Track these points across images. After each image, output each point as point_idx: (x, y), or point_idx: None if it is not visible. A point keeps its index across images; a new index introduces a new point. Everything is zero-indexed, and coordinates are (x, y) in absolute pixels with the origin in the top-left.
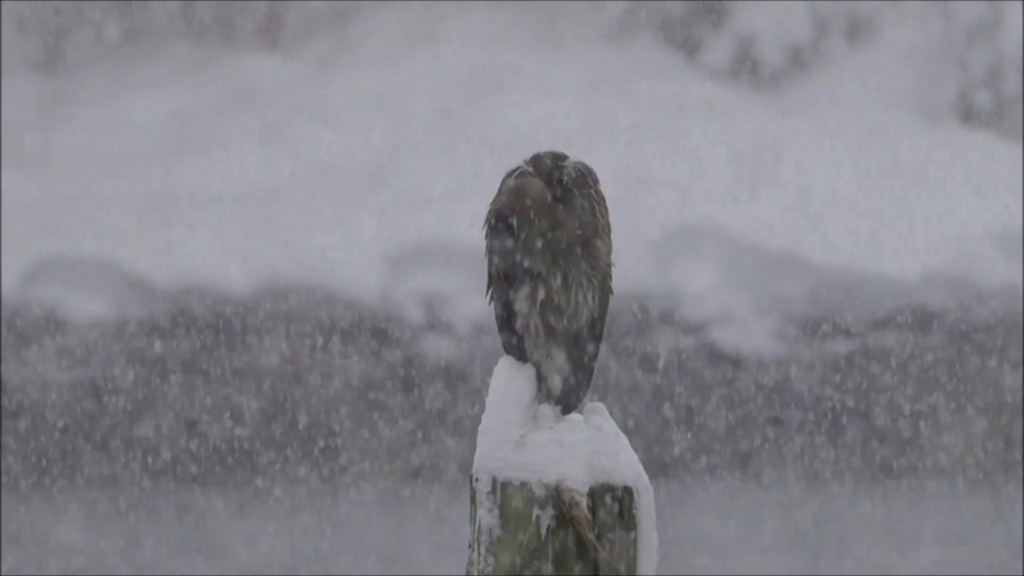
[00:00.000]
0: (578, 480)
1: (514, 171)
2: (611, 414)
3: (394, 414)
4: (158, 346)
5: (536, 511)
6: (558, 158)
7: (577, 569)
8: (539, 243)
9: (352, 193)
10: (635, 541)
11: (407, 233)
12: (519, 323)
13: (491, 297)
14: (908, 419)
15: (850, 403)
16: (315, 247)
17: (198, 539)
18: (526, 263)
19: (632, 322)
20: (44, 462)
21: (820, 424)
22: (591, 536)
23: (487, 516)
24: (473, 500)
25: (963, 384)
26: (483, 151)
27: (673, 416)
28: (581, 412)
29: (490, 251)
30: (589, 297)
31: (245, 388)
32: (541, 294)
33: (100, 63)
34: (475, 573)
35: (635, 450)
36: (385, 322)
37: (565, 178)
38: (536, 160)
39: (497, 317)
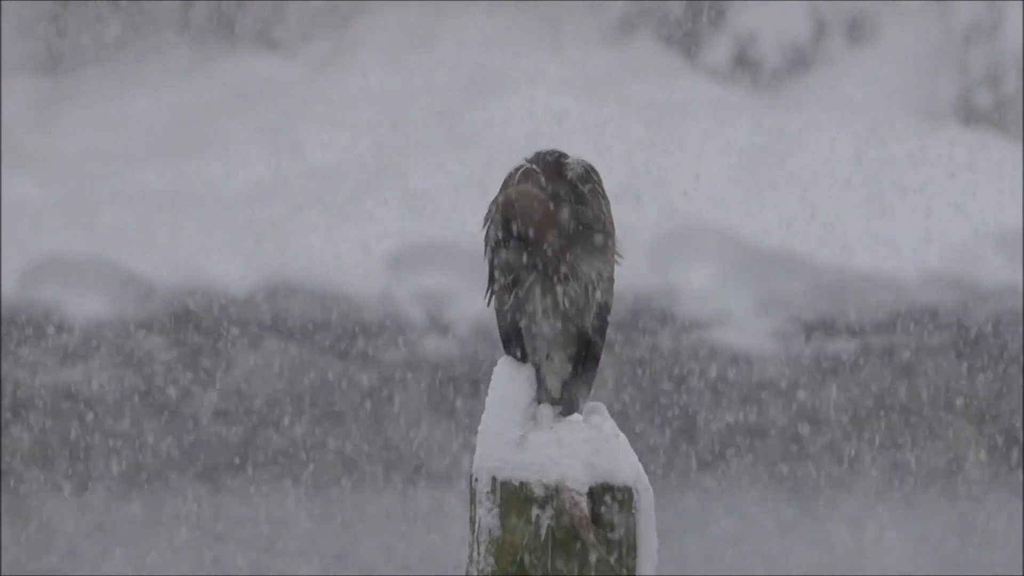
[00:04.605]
0: (578, 480)
1: (518, 169)
2: (610, 414)
3: (394, 414)
4: (158, 346)
5: (536, 511)
6: (561, 156)
7: (576, 569)
8: (542, 245)
9: (352, 193)
10: (635, 541)
11: (407, 233)
12: (520, 324)
13: (490, 298)
14: (908, 418)
15: (850, 403)
16: (315, 247)
17: (198, 539)
18: (528, 265)
19: (632, 322)
20: (44, 462)
21: (819, 423)
22: (591, 536)
23: (487, 516)
24: (473, 500)
25: (963, 384)
26: (483, 151)
27: (672, 416)
28: (581, 412)
29: (492, 253)
30: (591, 298)
31: (245, 388)
32: (543, 295)
33: (100, 63)
34: (475, 573)
35: (634, 450)
36: (385, 322)
37: (570, 174)
38: (539, 158)
39: (498, 317)
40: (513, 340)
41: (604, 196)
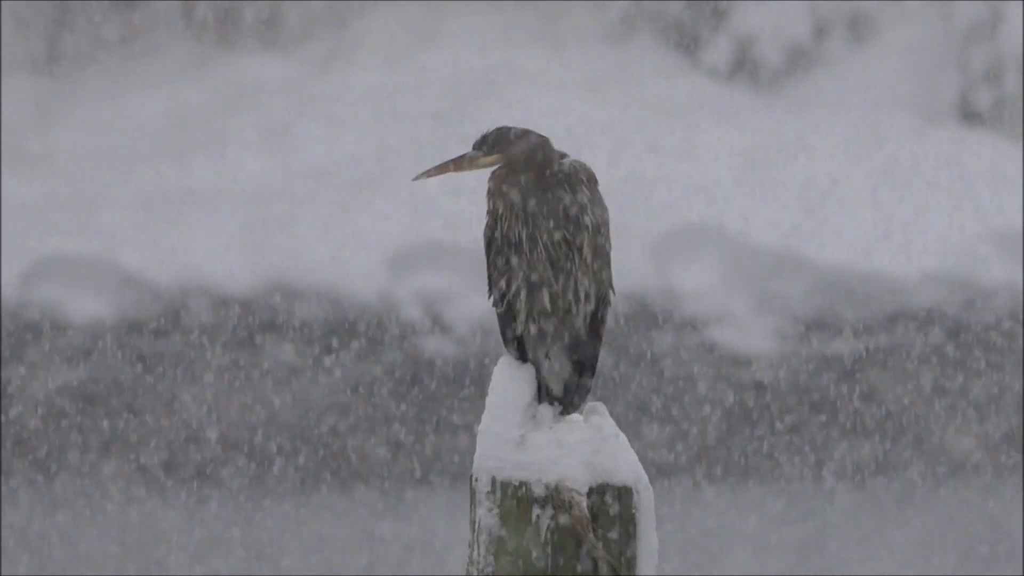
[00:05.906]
0: (578, 480)
1: (503, 166)
2: (610, 414)
3: (394, 414)
4: (158, 346)
5: (536, 511)
6: (559, 156)
7: (577, 569)
8: (539, 245)
9: (352, 193)
10: (635, 541)
11: (407, 233)
12: (519, 323)
13: (493, 297)
14: (908, 418)
15: (849, 402)
16: (315, 247)
17: (198, 539)
18: (526, 264)
19: (632, 322)
20: (44, 461)
21: (819, 423)
22: (591, 536)
23: (487, 516)
24: (473, 500)
25: (963, 384)
26: None
27: (672, 416)
28: (581, 412)
29: (490, 250)
30: (589, 297)
31: (245, 388)
32: (541, 295)
33: (100, 63)
34: (475, 573)
35: (634, 450)
36: (385, 322)
37: (564, 176)
38: (532, 159)
39: (498, 317)
40: (513, 340)
41: (599, 199)
